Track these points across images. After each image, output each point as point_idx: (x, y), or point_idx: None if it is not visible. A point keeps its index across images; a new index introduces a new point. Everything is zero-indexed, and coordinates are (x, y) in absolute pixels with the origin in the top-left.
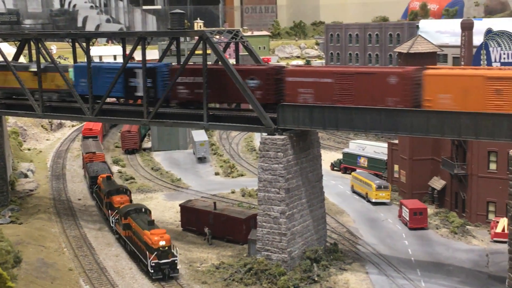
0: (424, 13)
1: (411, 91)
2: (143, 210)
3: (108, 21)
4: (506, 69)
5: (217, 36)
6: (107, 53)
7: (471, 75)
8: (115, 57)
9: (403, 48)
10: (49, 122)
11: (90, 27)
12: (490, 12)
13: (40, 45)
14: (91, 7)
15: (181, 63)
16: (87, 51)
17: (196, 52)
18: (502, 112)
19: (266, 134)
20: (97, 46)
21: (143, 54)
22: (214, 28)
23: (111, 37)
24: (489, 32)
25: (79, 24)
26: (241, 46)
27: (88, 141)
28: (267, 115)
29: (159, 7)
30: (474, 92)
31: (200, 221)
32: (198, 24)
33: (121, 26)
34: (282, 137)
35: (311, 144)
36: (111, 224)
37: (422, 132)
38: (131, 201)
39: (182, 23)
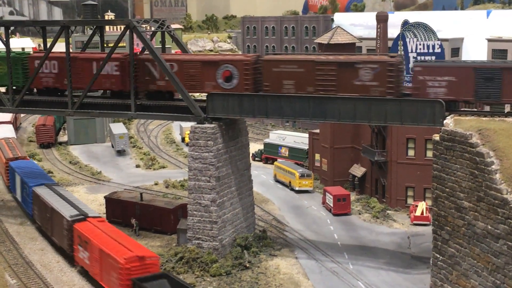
0: (334, 7)
1: None
2: None
3: (11, 13)
4: None
5: (144, 25)
6: (15, 45)
7: None
8: (23, 49)
9: (323, 39)
10: None
11: None
12: (398, 7)
13: None
14: None
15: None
16: (6, 40)
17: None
18: None
19: (195, 123)
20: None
21: (67, 44)
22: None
23: (33, 25)
24: (405, 23)
25: None
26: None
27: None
28: (196, 104)
29: None
30: None
31: (127, 213)
32: (109, 17)
33: (25, 19)
34: (212, 125)
35: (239, 133)
36: None
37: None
38: None
39: (95, 15)
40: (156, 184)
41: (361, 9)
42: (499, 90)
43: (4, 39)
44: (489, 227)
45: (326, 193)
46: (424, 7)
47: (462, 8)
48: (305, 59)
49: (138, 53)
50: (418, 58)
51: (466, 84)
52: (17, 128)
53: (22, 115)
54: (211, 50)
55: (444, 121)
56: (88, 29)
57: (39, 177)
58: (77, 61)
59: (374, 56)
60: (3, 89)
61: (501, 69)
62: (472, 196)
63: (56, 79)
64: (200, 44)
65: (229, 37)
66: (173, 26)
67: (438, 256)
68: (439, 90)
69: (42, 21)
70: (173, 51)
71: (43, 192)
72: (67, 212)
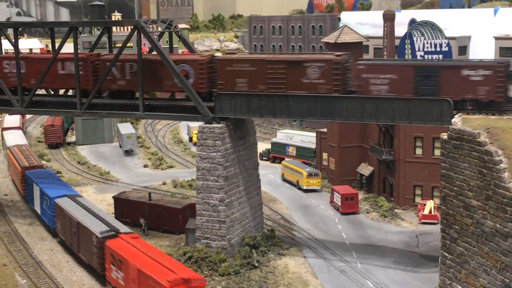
0: (340, 6)
1: None
2: None
3: (18, 14)
4: None
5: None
6: (22, 46)
7: None
8: (31, 50)
9: (330, 38)
10: None
11: None
12: (405, 5)
13: None
14: None
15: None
16: (15, 41)
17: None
18: None
19: (203, 123)
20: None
21: (75, 45)
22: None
23: (41, 27)
24: (413, 22)
25: None
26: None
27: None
28: (204, 104)
29: None
30: None
31: (135, 213)
32: (116, 17)
33: (32, 19)
34: (220, 125)
35: (247, 132)
36: None
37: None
38: None
39: (102, 15)
40: (164, 183)
41: (368, 7)
42: (437, 87)
43: (13, 40)
44: (498, 225)
45: (334, 192)
46: (431, 5)
47: (469, 6)
48: (257, 58)
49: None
50: (426, 57)
51: (407, 81)
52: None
53: (27, 117)
54: (217, 50)
55: (452, 120)
56: (96, 29)
57: (60, 188)
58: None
59: (321, 54)
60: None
61: (439, 67)
62: (480, 195)
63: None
64: (207, 43)
65: (236, 37)
66: (180, 26)
67: (447, 254)
68: (382, 88)
69: (50, 22)
70: (180, 51)
71: (67, 204)
72: (96, 227)
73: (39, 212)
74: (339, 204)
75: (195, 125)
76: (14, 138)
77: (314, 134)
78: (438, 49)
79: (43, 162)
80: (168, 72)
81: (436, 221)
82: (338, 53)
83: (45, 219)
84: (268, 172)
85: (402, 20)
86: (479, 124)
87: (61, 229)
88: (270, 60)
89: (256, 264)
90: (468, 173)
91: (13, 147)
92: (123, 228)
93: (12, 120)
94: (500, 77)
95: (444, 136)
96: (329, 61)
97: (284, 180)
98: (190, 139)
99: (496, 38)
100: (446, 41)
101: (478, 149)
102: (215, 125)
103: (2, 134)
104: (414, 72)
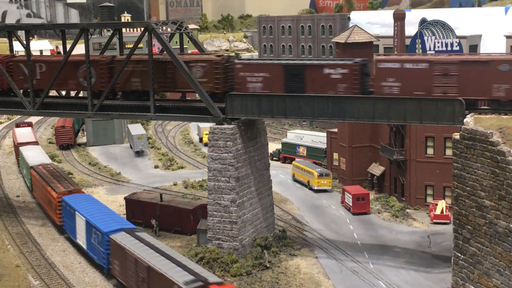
0: (349, 5)
1: None
2: None
3: (28, 15)
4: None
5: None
6: (33, 47)
7: None
8: (41, 52)
9: (340, 38)
10: None
11: (9, 22)
12: (415, 4)
13: None
14: (10, 1)
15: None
16: (26, 43)
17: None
18: None
19: (214, 123)
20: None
21: (86, 46)
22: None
23: (52, 29)
24: (423, 21)
25: None
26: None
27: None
28: (215, 105)
29: (83, 0)
30: None
31: (147, 214)
32: (126, 18)
33: (42, 21)
34: (231, 126)
35: (258, 133)
36: None
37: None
38: None
39: (112, 16)
40: (175, 184)
41: (377, 6)
42: (302, 85)
43: (24, 42)
44: (511, 225)
45: (345, 192)
46: (440, 4)
47: (479, 5)
48: (145, 59)
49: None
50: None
51: (277, 79)
52: None
53: (37, 118)
54: (227, 50)
55: (464, 120)
56: (106, 30)
57: (111, 219)
58: None
59: (204, 55)
60: None
61: (304, 66)
62: (493, 195)
63: None
64: (216, 44)
65: (245, 37)
66: (190, 26)
67: (460, 255)
68: (256, 85)
69: (62, 24)
70: (189, 51)
71: (128, 242)
72: (177, 275)
73: (84, 246)
74: (350, 204)
75: (205, 125)
76: (36, 156)
77: (324, 134)
78: (449, 48)
79: (55, 163)
80: (70, 72)
81: (448, 221)
82: (219, 54)
83: (93, 256)
84: (279, 173)
85: (412, 19)
86: (492, 124)
87: (121, 271)
88: (160, 61)
89: (268, 265)
90: (481, 173)
91: (38, 166)
92: (211, 277)
93: (26, 133)
94: (355, 75)
95: (456, 136)
96: (210, 61)
97: (295, 180)
98: (200, 140)
99: (507, 37)
100: (457, 40)
101: (491, 149)
102: (226, 126)
103: (19, 151)
104: (284, 70)
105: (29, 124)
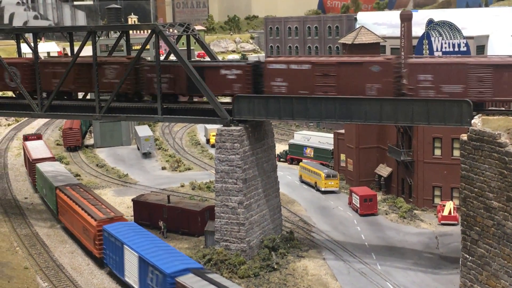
0: (356, 6)
1: None
2: None
3: (36, 17)
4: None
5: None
6: (40, 49)
7: None
8: (48, 53)
9: (347, 39)
10: None
11: (17, 24)
12: (418, 5)
13: None
14: (18, 3)
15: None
16: (34, 46)
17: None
18: None
19: (221, 125)
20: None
21: (93, 48)
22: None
23: (60, 31)
24: (430, 22)
25: (6, 21)
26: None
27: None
28: (222, 107)
29: (90, 2)
30: None
31: (154, 215)
32: (132, 20)
33: (49, 23)
34: (238, 128)
35: (265, 135)
36: None
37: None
38: None
39: (119, 18)
40: (182, 186)
41: (384, 6)
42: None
43: (32, 44)
44: None
45: (352, 193)
46: (447, 4)
47: (486, 5)
48: (81, 62)
49: None
50: None
51: (180, 80)
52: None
53: (44, 121)
54: (233, 51)
55: (472, 121)
56: (113, 32)
57: (171, 256)
58: None
59: (119, 57)
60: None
61: (203, 67)
62: (501, 196)
63: None
64: (223, 45)
65: (252, 38)
66: (196, 27)
67: (468, 256)
68: (163, 86)
69: (69, 27)
70: (196, 53)
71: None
72: None
73: (135, 286)
74: (358, 205)
75: (212, 127)
76: (58, 174)
77: (331, 135)
78: (456, 49)
79: (63, 165)
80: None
81: (455, 222)
82: (129, 56)
83: None
84: (286, 174)
85: (419, 20)
86: (500, 125)
87: None
88: (80, 63)
89: (276, 266)
90: (489, 174)
91: (65, 187)
92: None
93: (39, 148)
94: (248, 75)
95: (464, 137)
96: (121, 63)
97: (302, 181)
98: (208, 141)
99: None
100: (464, 41)
101: (499, 150)
102: (233, 127)
103: (36, 168)
104: (185, 72)
105: (38, 136)
